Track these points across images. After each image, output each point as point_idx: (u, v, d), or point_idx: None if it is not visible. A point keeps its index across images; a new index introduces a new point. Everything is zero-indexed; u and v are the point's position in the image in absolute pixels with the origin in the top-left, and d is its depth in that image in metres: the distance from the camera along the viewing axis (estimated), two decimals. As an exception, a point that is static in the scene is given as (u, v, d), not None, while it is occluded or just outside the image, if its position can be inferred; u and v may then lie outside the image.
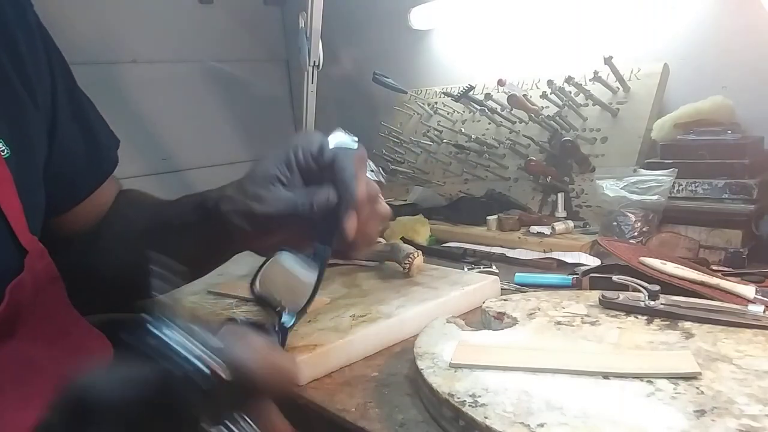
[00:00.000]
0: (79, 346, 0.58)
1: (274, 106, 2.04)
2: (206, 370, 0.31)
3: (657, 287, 0.62)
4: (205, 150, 1.86)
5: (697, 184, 0.91)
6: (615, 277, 0.65)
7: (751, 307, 0.58)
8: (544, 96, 1.17)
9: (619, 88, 1.13)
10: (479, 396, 0.46)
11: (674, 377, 0.47)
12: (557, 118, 1.17)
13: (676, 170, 0.92)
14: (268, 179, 0.53)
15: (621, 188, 0.96)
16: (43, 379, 0.51)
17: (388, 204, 1.50)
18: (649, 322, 0.60)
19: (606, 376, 0.48)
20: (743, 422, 0.40)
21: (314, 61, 1.34)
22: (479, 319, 0.68)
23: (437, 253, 1.04)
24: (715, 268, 0.82)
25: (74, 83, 0.68)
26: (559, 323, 0.61)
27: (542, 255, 0.97)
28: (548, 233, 1.02)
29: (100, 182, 0.67)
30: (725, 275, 0.75)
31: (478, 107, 1.27)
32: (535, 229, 1.04)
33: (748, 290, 0.65)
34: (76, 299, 0.59)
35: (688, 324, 0.58)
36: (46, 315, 0.55)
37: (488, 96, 1.26)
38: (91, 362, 0.55)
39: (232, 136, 1.92)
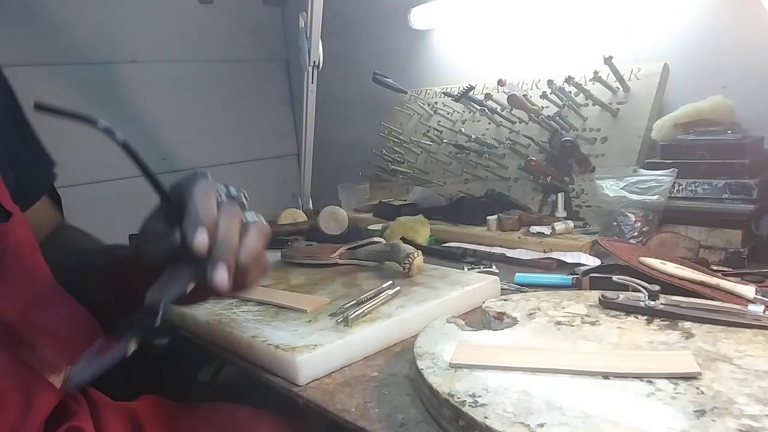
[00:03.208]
0: (58, 316, 0.59)
1: (274, 106, 2.04)
2: None
3: (657, 287, 0.62)
4: (205, 150, 1.86)
5: (697, 184, 0.91)
6: (615, 277, 0.65)
7: (751, 307, 0.58)
8: (544, 96, 1.17)
9: (619, 88, 1.13)
10: (479, 396, 0.46)
11: (674, 377, 0.47)
12: (557, 118, 1.17)
13: (676, 170, 0.92)
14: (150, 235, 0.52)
15: (621, 188, 0.96)
16: (12, 338, 0.52)
17: (389, 204, 1.49)
18: (649, 322, 0.60)
19: (606, 376, 0.48)
20: (743, 422, 0.40)
21: (314, 61, 1.34)
22: (479, 319, 0.68)
23: (437, 253, 1.04)
24: (715, 268, 0.82)
25: (15, 99, 0.70)
26: (559, 323, 0.61)
27: (542, 255, 0.97)
28: (548, 233, 1.02)
29: (41, 193, 0.71)
30: (725, 275, 0.75)
31: (478, 107, 1.27)
32: (535, 229, 1.04)
33: (748, 290, 0.65)
34: None
35: (688, 324, 0.58)
36: (26, 281, 0.56)
37: (488, 96, 1.26)
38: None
39: (232, 136, 1.92)
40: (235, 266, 0.45)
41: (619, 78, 1.11)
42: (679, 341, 0.55)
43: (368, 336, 0.65)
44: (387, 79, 1.41)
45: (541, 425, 0.42)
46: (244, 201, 0.50)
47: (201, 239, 0.44)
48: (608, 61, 1.07)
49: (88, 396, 0.62)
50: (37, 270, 0.58)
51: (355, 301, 0.72)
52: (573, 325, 0.60)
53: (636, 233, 0.92)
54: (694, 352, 0.51)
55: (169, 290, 0.46)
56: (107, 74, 1.63)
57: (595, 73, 1.10)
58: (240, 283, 0.47)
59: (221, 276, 0.44)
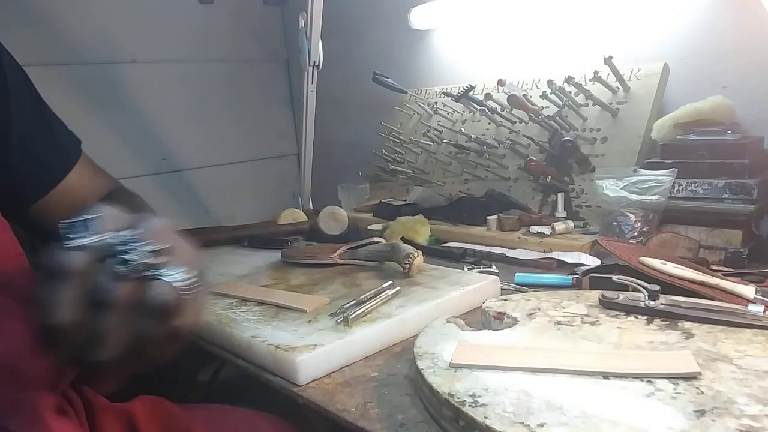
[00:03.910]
0: None
1: (274, 106, 2.04)
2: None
3: (657, 287, 0.62)
4: (205, 150, 1.86)
5: (697, 184, 0.91)
6: (615, 277, 0.65)
7: (751, 307, 0.58)
8: (544, 96, 1.17)
9: (619, 88, 1.13)
10: (479, 396, 0.46)
11: (674, 377, 0.47)
12: (557, 118, 1.17)
13: (676, 170, 0.92)
14: None
15: (621, 188, 0.96)
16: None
17: (389, 204, 1.48)
18: (649, 322, 0.60)
19: (606, 376, 0.48)
20: (743, 422, 0.40)
21: (314, 61, 1.34)
22: (479, 319, 0.68)
23: (437, 253, 1.04)
24: (715, 268, 0.82)
25: (32, 85, 0.72)
26: (559, 323, 0.61)
27: (542, 255, 0.97)
28: (548, 233, 1.02)
29: (65, 172, 0.72)
30: (725, 275, 0.75)
31: (478, 107, 1.27)
32: (535, 229, 1.04)
33: (748, 290, 0.65)
34: None
35: (688, 324, 0.58)
36: (8, 287, 0.56)
37: (488, 96, 1.26)
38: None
39: (232, 136, 1.92)
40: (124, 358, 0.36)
41: (619, 78, 1.11)
42: (679, 341, 0.55)
43: (368, 336, 0.65)
44: (387, 79, 1.41)
45: (541, 425, 0.42)
46: (145, 256, 0.36)
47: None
48: (608, 61, 1.07)
49: (84, 397, 0.62)
50: (23, 275, 0.58)
51: (355, 301, 0.72)
52: (573, 325, 0.60)
53: (636, 233, 0.92)
54: (694, 352, 0.51)
55: None
56: (107, 74, 1.63)
57: (595, 73, 1.10)
58: (148, 359, 0.38)
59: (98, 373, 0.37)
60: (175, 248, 0.38)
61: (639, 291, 0.62)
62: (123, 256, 0.35)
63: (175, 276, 0.36)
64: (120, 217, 0.38)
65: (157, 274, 0.36)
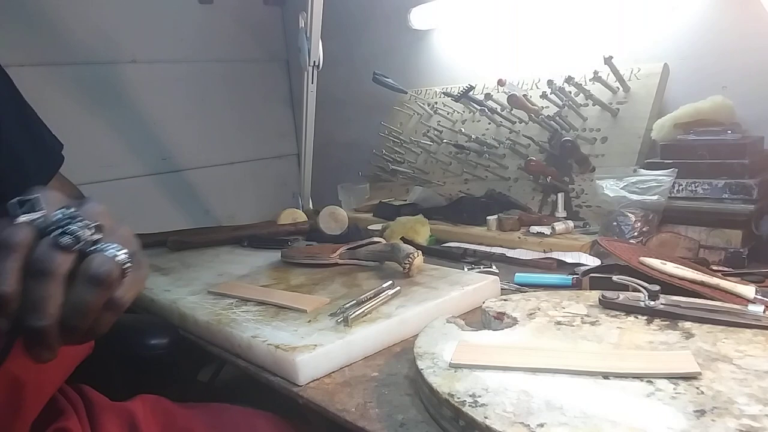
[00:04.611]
0: None
1: (274, 106, 2.04)
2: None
3: (657, 287, 0.62)
4: (205, 150, 1.86)
5: (697, 184, 0.91)
6: (615, 277, 0.65)
7: (751, 307, 0.58)
8: (544, 96, 1.17)
9: (619, 88, 1.13)
10: (479, 396, 0.46)
11: (674, 377, 0.47)
12: (557, 118, 1.17)
13: (676, 170, 0.92)
14: None
15: (621, 188, 0.96)
16: None
17: (389, 204, 1.49)
18: (649, 322, 0.60)
19: (606, 376, 0.48)
20: (743, 422, 0.40)
21: (314, 61, 1.34)
22: (479, 319, 0.68)
23: (437, 253, 1.04)
24: (715, 268, 0.82)
25: (16, 89, 0.71)
26: (559, 323, 0.61)
27: (542, 255, 0.97)
28: (548, 233, 1.02)
29: (47, 178, 0.72)
30: (725, 275, 0.75)
31: (478, 107, 1.27)
32: (535, 229, 1.04)
33: (748, 290, 0.65)
34: None
35: (688, 324, 0.58)
36: None
37: (488, 96, 1.26)
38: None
39: (232, 136, 1.92)
40: (63, 327, 0.37)
41: (619, 78, 1.11)
42: (679, 341, 0.55)
43: (368, 336, 0.65)
44: (387, 79, 1.41)
45: (541, 425, 0.42)
46: (85, 232, 0.38)
47: None
48: (608, 61, 1.07)
49: (84, 396, 0.62)
50: None
51: (355, 301, 0.72)
52: (573, 325, 0.60)
53: (636, 233, 0.92)
54: (694, 352, 0.51)
55: None
56: (107, 74, 1.63)
57: (595, 73, 1.10)
58: (82, 336, 0.39)
59: (32, 351, 0.37)
60: (112, 227, 0.41)
61: (639, 291, 0.62)
62: (64, 230, 0.37)
63: (112, 250, 0.39)
64: (61, 199, 0.40)
65: (96, 249, 0.38)
